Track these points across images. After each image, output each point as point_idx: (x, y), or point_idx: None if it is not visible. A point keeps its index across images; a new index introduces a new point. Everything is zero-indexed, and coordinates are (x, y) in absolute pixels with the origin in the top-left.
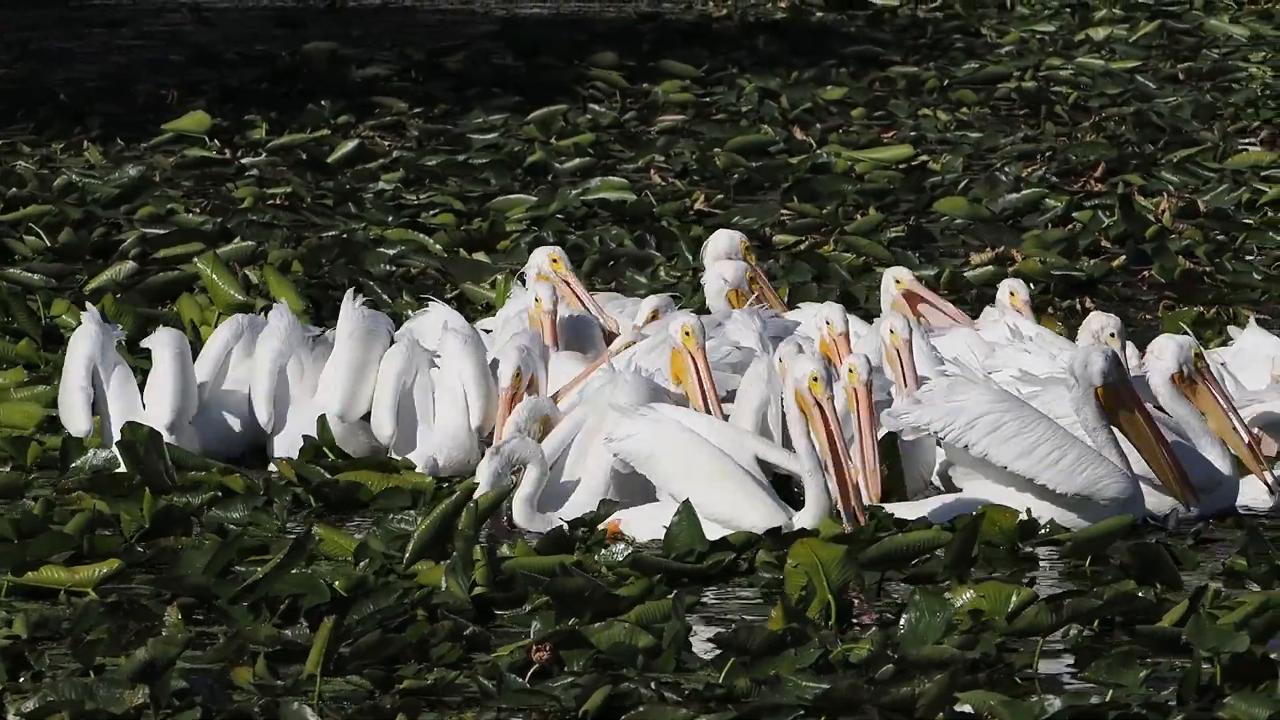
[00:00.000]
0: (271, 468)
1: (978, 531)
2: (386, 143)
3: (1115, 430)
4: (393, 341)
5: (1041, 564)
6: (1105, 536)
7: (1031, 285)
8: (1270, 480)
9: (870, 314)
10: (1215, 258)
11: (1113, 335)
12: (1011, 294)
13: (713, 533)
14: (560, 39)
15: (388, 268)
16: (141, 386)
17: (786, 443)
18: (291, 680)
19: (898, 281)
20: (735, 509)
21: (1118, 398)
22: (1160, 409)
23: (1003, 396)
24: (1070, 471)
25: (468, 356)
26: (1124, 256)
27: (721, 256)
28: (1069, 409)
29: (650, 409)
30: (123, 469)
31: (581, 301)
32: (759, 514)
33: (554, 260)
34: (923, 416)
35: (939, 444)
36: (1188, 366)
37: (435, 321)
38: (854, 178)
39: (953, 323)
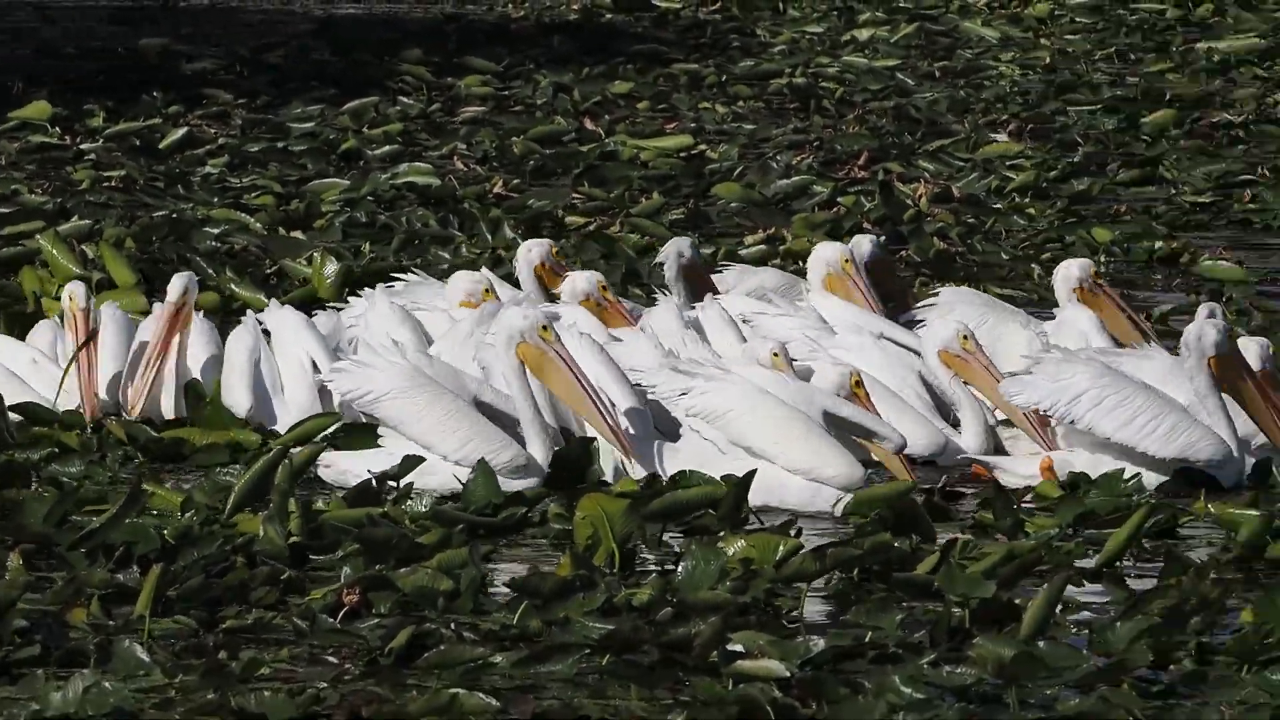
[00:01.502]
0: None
1: (749, 487)
2: (213, 130)
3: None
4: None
5: (820, 514)
6: (881, 499)
7: (800, 263)
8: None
9: (652, 290)
10: (967, 239)
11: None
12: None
13: (785, 488)
14: (372, 37)
15: (213, 244)
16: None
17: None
18: (123, 620)
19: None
20: (818, 458)
21: (1230, 367)
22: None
23: (1103, 371)
24: (1167, 437)
25: (307, 330)
26: (884, 237)
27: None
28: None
29: (713, 367)
30: None
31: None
32: (839, 465)
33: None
34: (1031, 396)
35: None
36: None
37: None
38: (639, 165)
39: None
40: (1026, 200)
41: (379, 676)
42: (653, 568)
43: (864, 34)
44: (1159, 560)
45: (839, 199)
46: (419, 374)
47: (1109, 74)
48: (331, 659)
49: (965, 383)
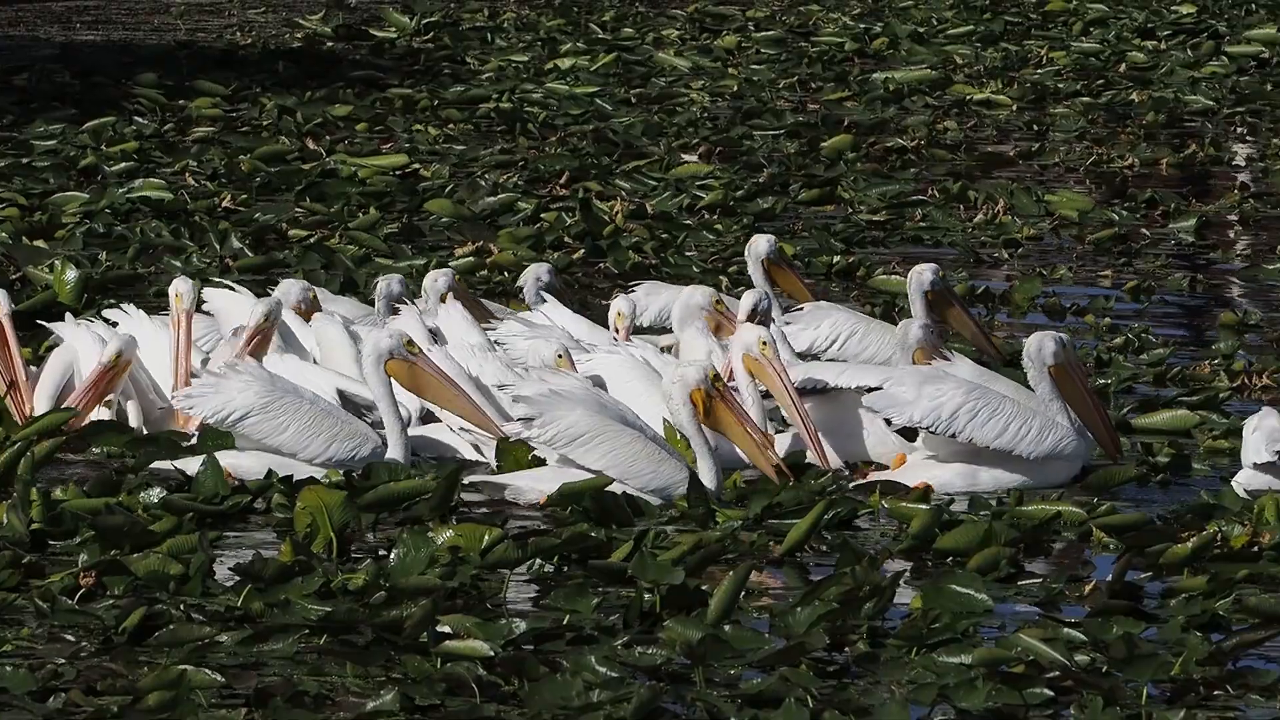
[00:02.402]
0: None
1: (458, 480)
2: None
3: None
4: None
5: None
6: (580, 493)
7: (506, 274)
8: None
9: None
10: (660, 253)
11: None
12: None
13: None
14: (110, 62)
15: None
16: None
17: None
18: None
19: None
20: (667, 480)
21: (1064, 376)
22: None
23: (970, 386)
24: (1038, 439)
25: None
26: (583, 250)
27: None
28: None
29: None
30: None
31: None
32: (680, 482)
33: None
34: (906, 413)
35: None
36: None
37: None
38: (357, 181)
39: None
40: (715, 217)
41: (113, 654)
42: (367, 554)
43: (565, 63)
44: (837, 550)
45: (542, 215)
46: (273, 386)
47: (791, 101)
48: (69, 637)
49: (760, 386)
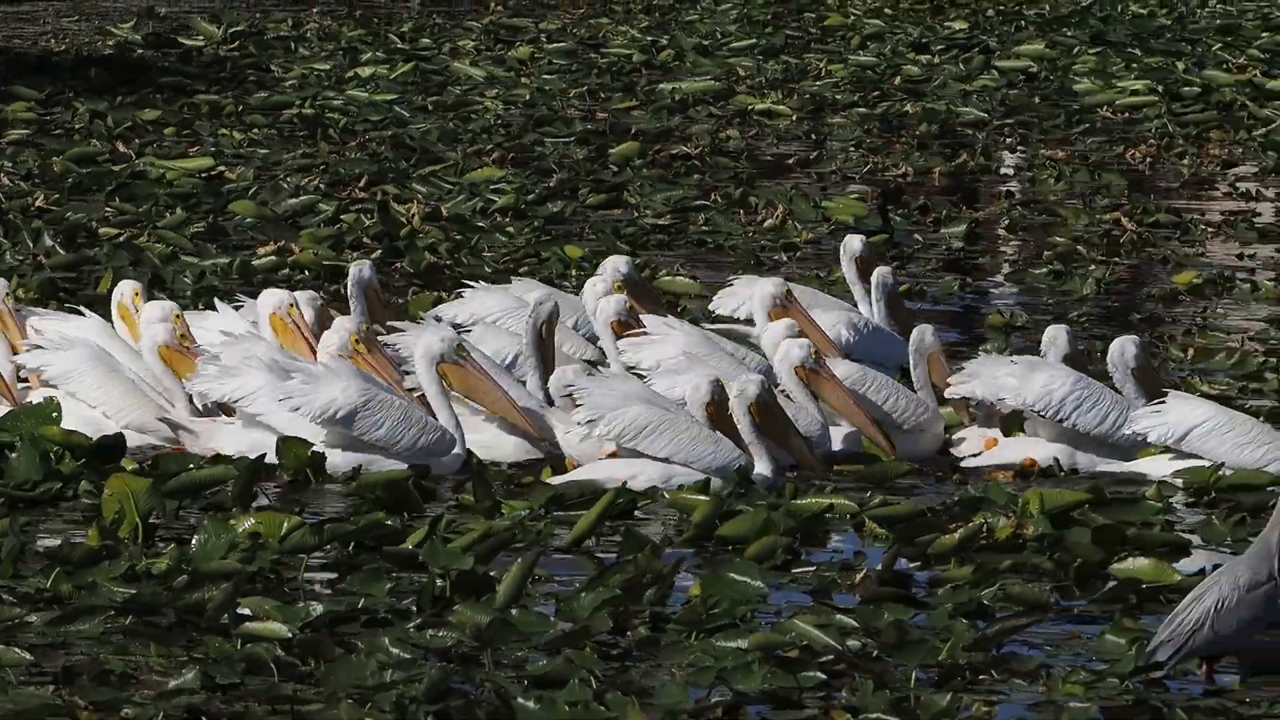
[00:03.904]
0: None
1: (259, 470)
2: None
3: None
4: None
5: (330, 493)
6: (392, 481)
7: (307, 272)
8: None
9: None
10: (455, 253)
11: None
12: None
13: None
14: None
15: None
16: None
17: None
18: None
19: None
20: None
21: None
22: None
23: (1077, 375)
24: (1114, 424)
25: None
26: (380, 250)
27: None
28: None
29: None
30: None
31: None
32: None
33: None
34: (1019, 398)
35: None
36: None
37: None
38: (165, 183)
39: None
40: (507, 220)
41: None
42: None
43: (366, 71)
44: (620, 538)
45: (342, 216)
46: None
47: (581, 110)
48: None
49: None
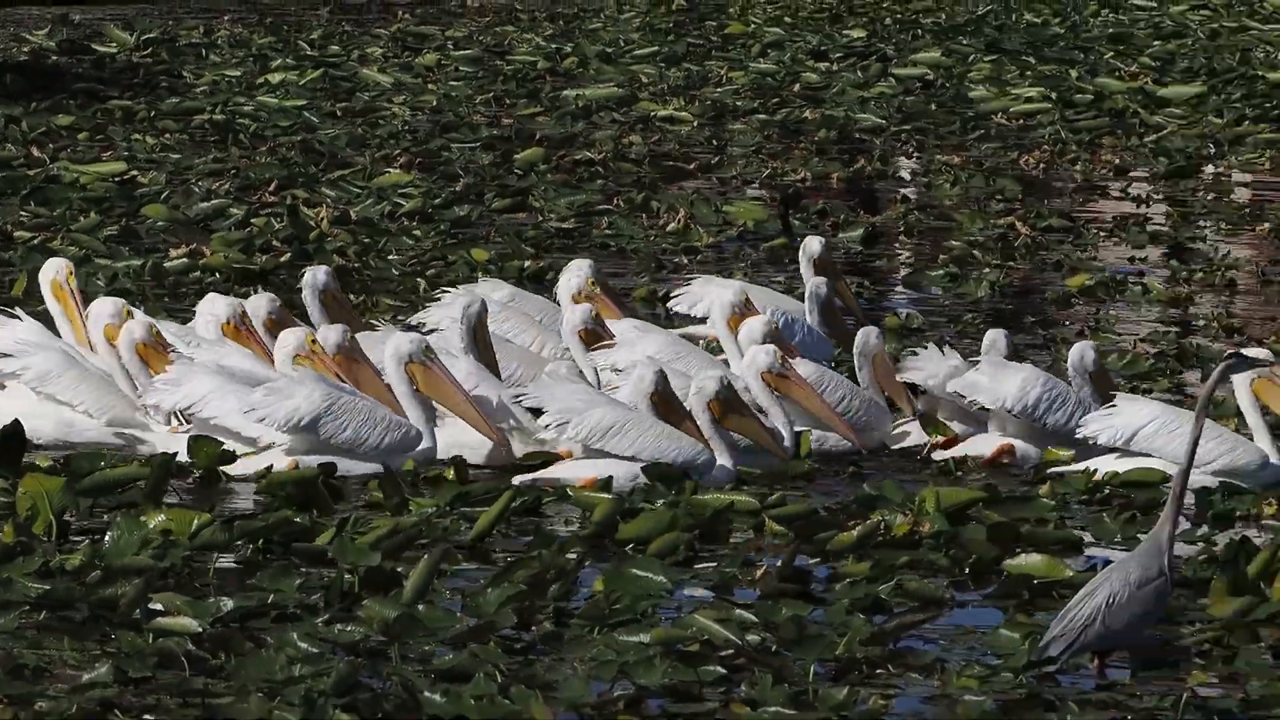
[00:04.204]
0: None
1: (170, 468)
2: None
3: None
4: None
5: (237, 489)
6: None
7: (218, 275)
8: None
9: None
10: (363, 256)
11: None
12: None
13: None
14: None
15: None
16: None
17: None
18: None
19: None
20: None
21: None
22: None
23: (1046, 375)
24: (1077, 420)
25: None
26: (290, 254)
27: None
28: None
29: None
30: None
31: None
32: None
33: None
34: (995, 398)
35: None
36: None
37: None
38: (79, 187)
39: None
40: (414, 224)
41: None
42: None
43: (275, 78)
44: (526, 535)
45: (252, 220)
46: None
47: (487, 116)
48: None
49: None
